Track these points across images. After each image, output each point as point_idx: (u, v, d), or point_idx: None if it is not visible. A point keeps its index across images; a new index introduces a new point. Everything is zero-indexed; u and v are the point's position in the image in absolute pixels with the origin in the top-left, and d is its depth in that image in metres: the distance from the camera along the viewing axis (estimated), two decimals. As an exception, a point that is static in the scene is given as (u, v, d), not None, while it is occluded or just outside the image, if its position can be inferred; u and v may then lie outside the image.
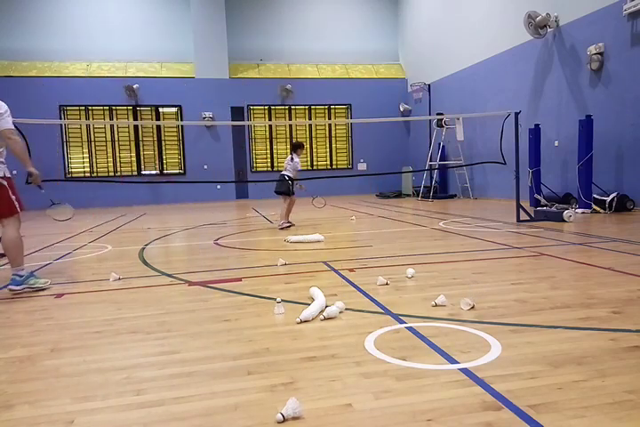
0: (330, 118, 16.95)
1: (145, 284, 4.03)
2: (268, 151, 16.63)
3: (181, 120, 15.68)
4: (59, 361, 2.35)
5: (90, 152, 15.33)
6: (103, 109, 15.30)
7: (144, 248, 6.08)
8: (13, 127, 3.88)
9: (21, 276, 3.87)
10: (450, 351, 2.26)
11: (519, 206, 7.32)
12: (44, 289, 3.93)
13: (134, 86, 15.00)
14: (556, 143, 10.13)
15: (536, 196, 9.30)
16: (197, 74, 15.64)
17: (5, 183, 3.86)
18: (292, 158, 7.71)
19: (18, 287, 3.84)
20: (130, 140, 15.59)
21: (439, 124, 13.56)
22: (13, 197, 3.91)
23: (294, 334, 2.60)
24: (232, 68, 16.00)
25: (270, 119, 16.59)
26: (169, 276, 4.31)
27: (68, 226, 9.21)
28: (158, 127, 15.67)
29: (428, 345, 2.36)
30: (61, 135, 14.96)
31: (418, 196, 13.86)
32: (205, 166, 15.62)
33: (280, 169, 9.11)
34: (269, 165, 16.63)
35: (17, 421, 1.78)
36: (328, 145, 17.03)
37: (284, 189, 7.73)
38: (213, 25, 15.51)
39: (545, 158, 9.79)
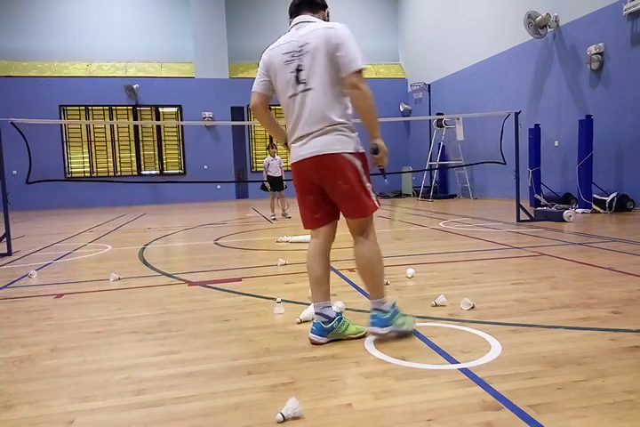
0: (330, 118, 16.91)
1: (145, 284, 4.03)
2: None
3: (181, 120, 15.69)
4: (59, 361, 2.35)
5: (90, 152, 15.33)
6: (103, 109, 15.30)
7: (144, 248, 6.08)
8: (363, 67, 2.32)
9: (386, 312, 2.45)
10: (450, 351, 2.26)
11: (519, 206, 7.32)
12: (409, 333, 2.51)
13: (134, 86, 15.00)
14: (556, 143, 10.13)
15: (536, 196, 9.30)
16: (197, 74, 15.64)
17: (358, 164, 2.40)
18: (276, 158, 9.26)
19: (383, 331, 2.43)
20: (130, 140, 15.59)
21: (439, 124, 13.56)
22: (368, 186, 2.42)
23: (294, 334, 2.60)
24: (232, 68, 15.99)
25: (270, 119, 16.55)
26: (169, 276, 4.31)
27: (68, 226, 9.20)
28: (158, 127, 15.67)
29: (428, 345, 2.36)
30: (61, 135, 14.96)
31: (418, 196, 13.86)
32: (205, 166, 15.62)
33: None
34: (269, 165, 16.62)
35: (17, 421, 1.78)
36: (328, 145, 16.99)
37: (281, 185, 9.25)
38: (213, 25, 15.52)
39: (545, 158, 9.79)
